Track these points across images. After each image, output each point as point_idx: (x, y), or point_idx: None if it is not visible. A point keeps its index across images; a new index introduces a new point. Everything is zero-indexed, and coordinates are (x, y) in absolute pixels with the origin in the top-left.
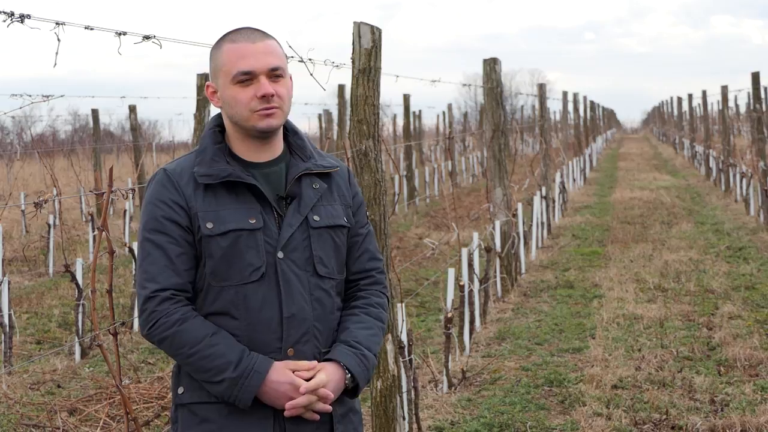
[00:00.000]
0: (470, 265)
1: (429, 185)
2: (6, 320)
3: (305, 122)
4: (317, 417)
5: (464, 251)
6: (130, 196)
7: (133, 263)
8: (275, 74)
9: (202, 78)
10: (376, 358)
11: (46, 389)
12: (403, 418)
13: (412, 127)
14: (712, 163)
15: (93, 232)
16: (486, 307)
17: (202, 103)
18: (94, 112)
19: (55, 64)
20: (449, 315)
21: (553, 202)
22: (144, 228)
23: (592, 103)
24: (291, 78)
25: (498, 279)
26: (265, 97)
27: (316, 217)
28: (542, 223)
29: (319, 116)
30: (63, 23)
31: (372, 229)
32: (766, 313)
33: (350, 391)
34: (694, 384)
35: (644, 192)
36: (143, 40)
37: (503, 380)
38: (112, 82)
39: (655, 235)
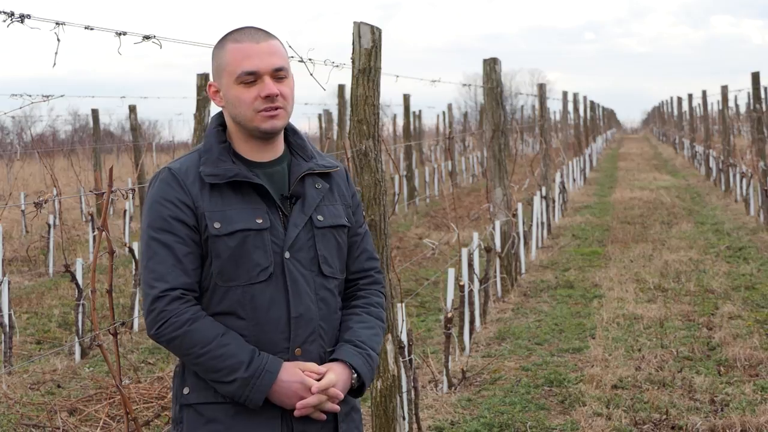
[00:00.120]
0: (470, 265)
1: (429, 185)
2: (6, 320)
3: (305, 122)
4: (324, 417)
5: (464, 251)
6: (130, 196)
7: (133, 263)
8: (279, 75)
9: (202, 78)
10: (378, 357)
11: (46, 389)
12: (403, 418)
13: (412, 127)
14: (712, 163)
15: (93, 232)
16: (486, 307)
17: (202, 103)
18: (94, 112)
19: (55, 64)
20: (449, 315)
21: (553, 202)
22: (149, 227)
23: (592, 103)
24: (293, 78)
25: (498, 279)
26: (270, 98)
27: (320, 217)
28: (542, 223)
29: (319, 116)
30: (63, 23)
31: (368, 229)
32: (766, 313)
33: (355, 390)
34: (694, 384)
35: (644, 192)
36: (143, 40)
37: (503, 380)
38: (112, 82)
39: (655, 235)
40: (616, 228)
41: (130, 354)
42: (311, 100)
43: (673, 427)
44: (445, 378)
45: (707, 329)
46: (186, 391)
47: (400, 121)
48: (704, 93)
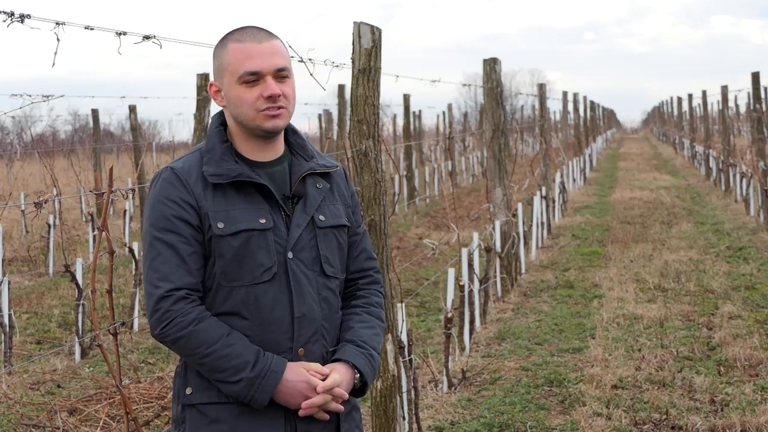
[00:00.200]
0: (470, 265)
1: (429, 185)
2: (6, 320)
3: (305, 122)
4: (327, 417)
5: (464, 251)
6: (130, 196)
7: (133, 263)
8: (281, 74)
9: (202, 78)
10: (379, 357)
11: (46, 389)
12: (403, 418)
13: (412, 127)
14: (712, 163)
15: (93, 232)
16: (486, 307)
17: (202, 103)
18: (94, 112)
19: (54, 64)
20: (449, 315)
21: (553, 202)
22: (152, 226)
23: (592, 103)
24: (294, 78)
25: (498, 279)
26: (272, 98)
27: (321, 217)
28: (542, 223)
29: (319, 116)
30: (63, 23)
31: (366, 229)
32: (766, 313)
33: (357, 390)
34: (694, 384)
35: (644, 192)
36: (143, 40)
37: (503, 380)
38: (112, 82)
39: (655, 235)
40: (616, 228)
41: (130, 354)
42: (311, 100)
43: (673, 427)
44: (445, 378)
45: (707, 329)
46: (189, 391)
47: (400, 121)
48: (704, 93)
